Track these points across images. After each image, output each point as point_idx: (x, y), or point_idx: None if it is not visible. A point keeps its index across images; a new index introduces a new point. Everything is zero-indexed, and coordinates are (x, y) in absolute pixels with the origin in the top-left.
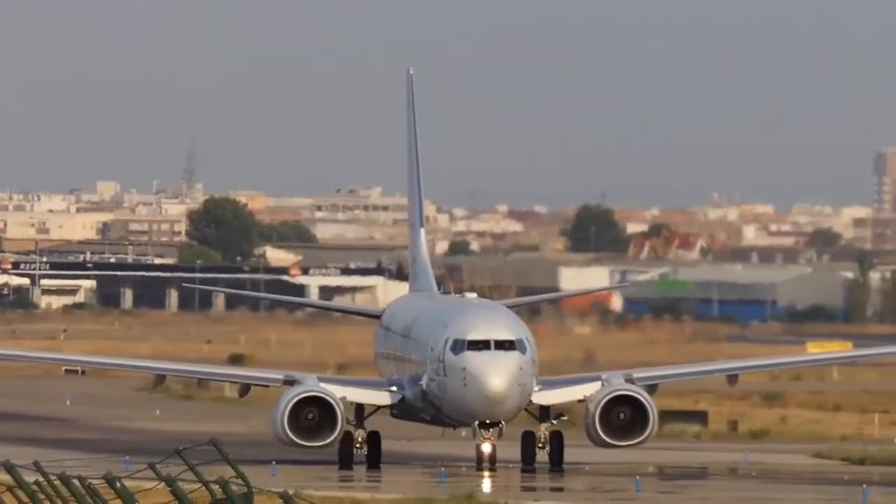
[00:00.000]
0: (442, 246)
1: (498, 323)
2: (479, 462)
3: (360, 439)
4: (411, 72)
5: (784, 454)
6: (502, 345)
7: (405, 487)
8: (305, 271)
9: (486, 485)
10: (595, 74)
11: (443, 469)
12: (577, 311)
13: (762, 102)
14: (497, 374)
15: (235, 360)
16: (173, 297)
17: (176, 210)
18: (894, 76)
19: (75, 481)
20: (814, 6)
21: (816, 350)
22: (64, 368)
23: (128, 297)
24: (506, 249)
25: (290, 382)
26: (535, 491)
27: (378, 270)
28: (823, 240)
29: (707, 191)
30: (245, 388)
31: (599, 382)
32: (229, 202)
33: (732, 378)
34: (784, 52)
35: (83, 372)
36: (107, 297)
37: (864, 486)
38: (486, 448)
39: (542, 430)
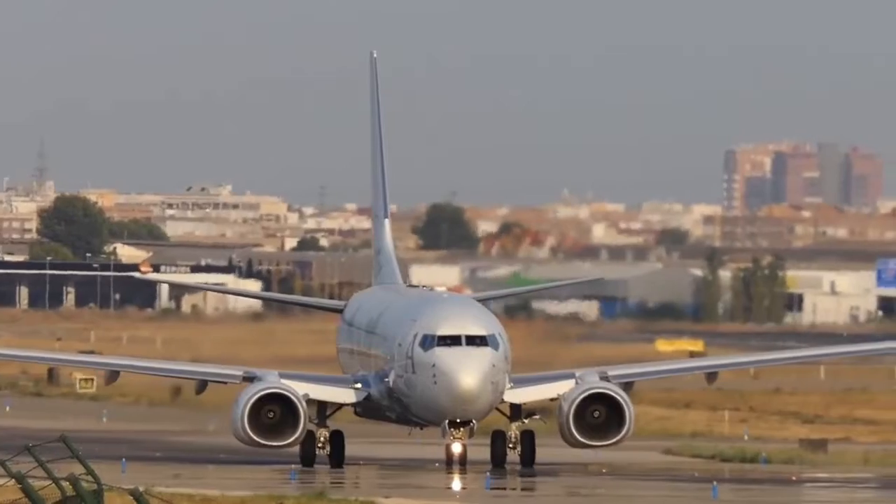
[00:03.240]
0: (291, 243)
1: (469, 317)
2: (449, 462)
3: (322, 439)
4: (375, 55)
5: (634, 451)
6: (474, 340)
7: (256, 484)
8: (156, 268)
9: (456, 484)
10: (444, 73)
11: (293, 467)
12: None
13: (612, 100)
14: (469, 371)
15: None
16: (24, 294)
17: (26, 208)
18: (743, 74)
19: None
20: (663, 5)
21: (666, 348)
22: None
23: None
24: (355, 246)
25: (249, 379)
26: (387, 488)
27: (228, 268)
28: (673, 237)
29: (557, 189)
30: (202, 385)
31: (573, 380)
32: (80, 200)
33: (711, 376)
34: (634, 50)
35: None
36: None
37: (715, 482)
38: (457, 448)
39: (513, 430)
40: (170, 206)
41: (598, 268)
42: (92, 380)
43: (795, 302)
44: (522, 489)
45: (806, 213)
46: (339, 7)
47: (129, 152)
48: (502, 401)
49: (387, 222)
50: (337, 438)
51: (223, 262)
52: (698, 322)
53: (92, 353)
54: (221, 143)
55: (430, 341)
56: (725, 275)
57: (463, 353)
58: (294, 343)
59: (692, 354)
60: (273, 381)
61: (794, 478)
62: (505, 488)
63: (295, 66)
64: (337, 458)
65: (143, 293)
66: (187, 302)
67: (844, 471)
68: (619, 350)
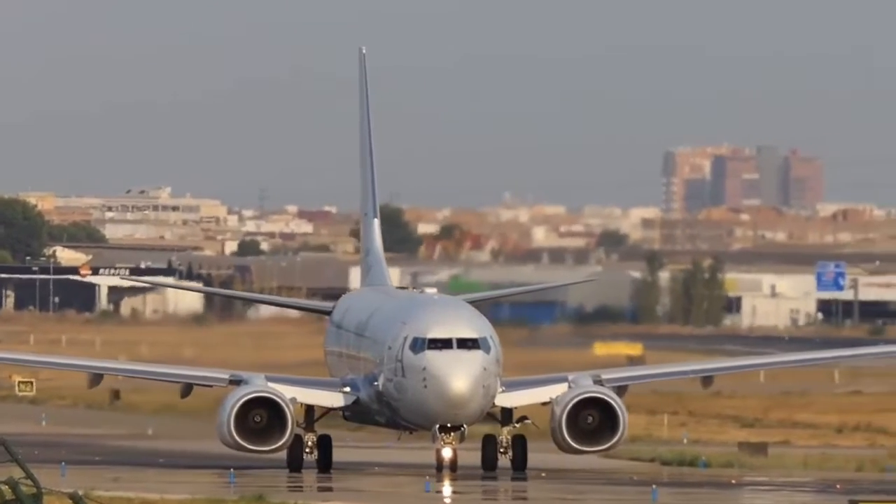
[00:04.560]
0: (231, 246)
1: (460, 320)
2: (439, 468)
3: (310, 443)
4: (364, 51)
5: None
6: (465, 343)
7: (195, 488)
8: (95, 271)
9: (447, 490)
10: (384, 74)
11: (232, 470)
12: None
13: (552, 103)
14: (459, 375)
15: None
16: None
17: None
18: (682, 76)
19: None
20: (603, 8)
21: (604, 352)
22: None
23: None
24: (295, 249)
25: (236, 382)
26: (331, 491)
27: (169, 270)
28: (613, 241)
29: (498, 192)
30: (187, 388)
31: (566, 384)
32: (19, 203)
33: (707, 380)
34: (571, 52)
35: None
36: None
37: (654, 486)
38: (447, 453)
39: (505, 434)
40: (109, 208)
41: (539, 271)
42: (31, 382)
43: (734, 304)
44: (456, 493)
45: (745, 216)
46: (278, 12)
47: (68, 155)
48: (493, 405)
49: (376, 222)
50: (325, 443)
51: (163, 265)
52: (637, 325)
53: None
54: (161, 146)
55: (420, 344)
56: (665, 277)
57: (454, 357)
58: (235, 346)
59: (630, 358)
60: (260, 385)
61: (733, 481)
62: (440, 492)
63: (234, 71)
64: (325, 462)
65: (82, 296)
66: (126, 305)
67: (784, 474)
68: (558, 354)
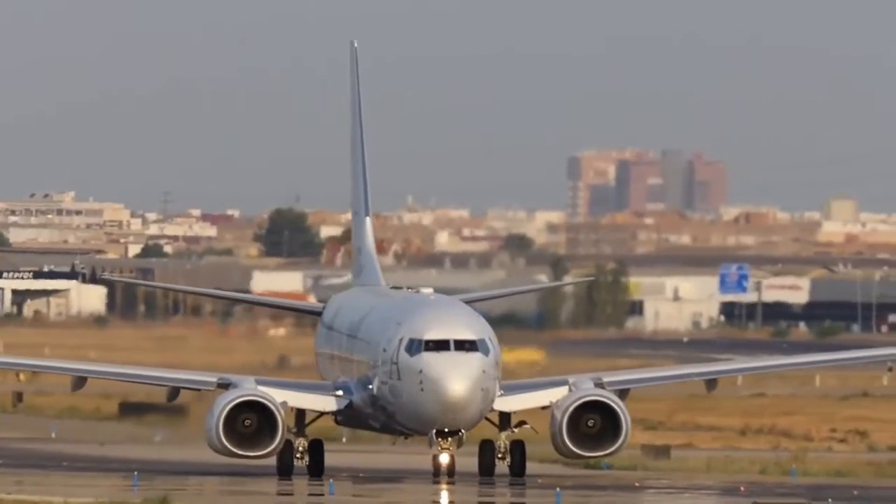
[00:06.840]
0: (135, 249)
1: (458, 321)
2: (437, 474)
3: (301, 448)
4: (356, 45)
5: (476, 457)
6: (463, 345)
7: (99, 491)
8: None
9: (444, 499)
10: (285, 76)
11: (136, 473)
12: (270, 313)
13: (455, 104)
14: (457, 378)
15: None
16: None
17: None
18: (587, 79)
19: None
20: (499, 8)
21: (510, 358)
22: None
23: None
24: (199, 253)
25: (224, 385)
26: (227, 495)
27: (72, 274)
28: (517, 245)
29: (402, 195)
30: (174, 392)
31: (566, 387)
32: None
33: (711, 383)
34: (475, 53)
35: None
36: None
37: (558, 489)
38: (444, 459)
39: (503, 439)
40: (13, 212)
41: (443, 275)
42: None
43: (637, 308)
44: (354, 495)
45: (649, 220)
46: (181, 18)
47: None
48: (492, 409)
49: (368, 221)
50: (316, 448)
51: (66, 268)
52: (542, 330)
53: None
54: (64, 150)
55: (416, 346)
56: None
57: (451, 359)
58: (138, 349)
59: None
60: (250, 388)
61: (637, 484)
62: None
63: (135, 75)
64: (316, 468)
65: None
66: (29, 307)
67: (687, 477)
68: None
